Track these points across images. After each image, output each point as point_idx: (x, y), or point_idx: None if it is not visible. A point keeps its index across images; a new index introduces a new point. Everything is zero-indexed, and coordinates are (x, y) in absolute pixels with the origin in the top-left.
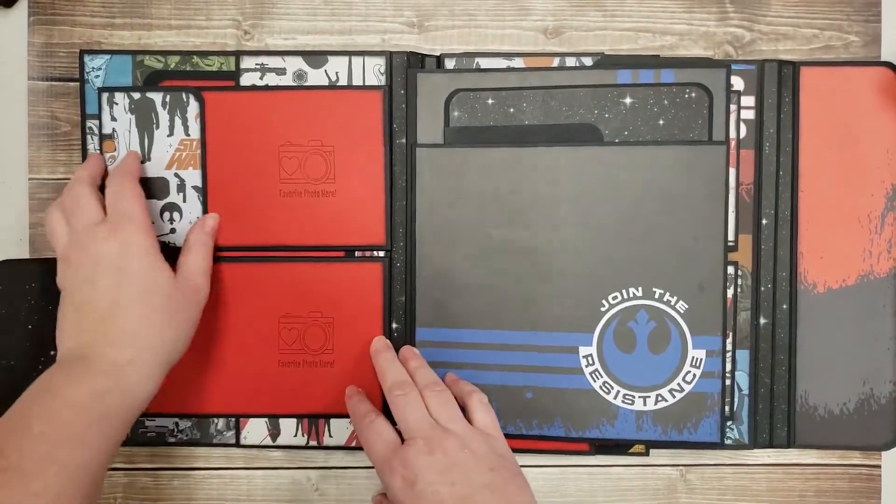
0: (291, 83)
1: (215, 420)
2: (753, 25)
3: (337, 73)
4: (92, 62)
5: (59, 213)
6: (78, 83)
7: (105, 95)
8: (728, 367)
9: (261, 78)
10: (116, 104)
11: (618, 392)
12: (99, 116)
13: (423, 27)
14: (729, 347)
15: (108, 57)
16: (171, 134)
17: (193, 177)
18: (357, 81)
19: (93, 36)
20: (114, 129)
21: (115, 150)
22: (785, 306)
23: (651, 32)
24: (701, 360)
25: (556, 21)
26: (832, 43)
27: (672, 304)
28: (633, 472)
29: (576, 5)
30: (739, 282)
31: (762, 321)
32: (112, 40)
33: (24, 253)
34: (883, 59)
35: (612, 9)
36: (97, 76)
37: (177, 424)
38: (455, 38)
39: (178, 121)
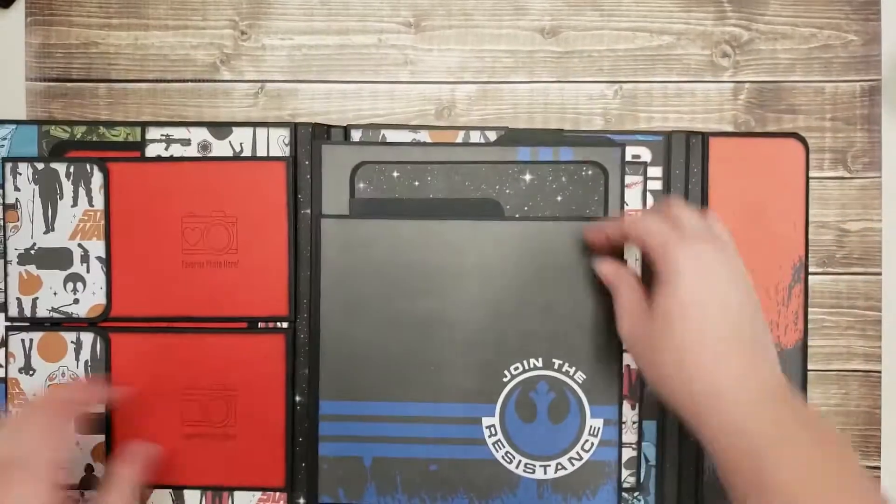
0: (196, 154)
1: None
2: (751, 24)
3: (241, 143)
4: None
5: None
6: (75, 83)
7: (9, 165)
8: (635, 437)
9: (166, 149)
10: (20, 174)
11: (519, 461)
12: (2, 186)
13: (420, 27)
14: (635, 419)
15: (13, 127)
16: (74, 204)
17: (97, 247)
18: (262, 152)
19: (89, 37)
20: (17, 200)
21: (18, 220)
22: None
23: (648, 32)
24: (598, 428)
25: (553, 21)
26: (831, 42)
27: (571, 374)
28: None
29: (573, 5)
30: None
31: None
32: (109, 41)
33: None
34: (883, 58)
35: (610, 8)
36: (2, 146)
37: (82, 495)
38: (452, 38)
39: (81, 191)
